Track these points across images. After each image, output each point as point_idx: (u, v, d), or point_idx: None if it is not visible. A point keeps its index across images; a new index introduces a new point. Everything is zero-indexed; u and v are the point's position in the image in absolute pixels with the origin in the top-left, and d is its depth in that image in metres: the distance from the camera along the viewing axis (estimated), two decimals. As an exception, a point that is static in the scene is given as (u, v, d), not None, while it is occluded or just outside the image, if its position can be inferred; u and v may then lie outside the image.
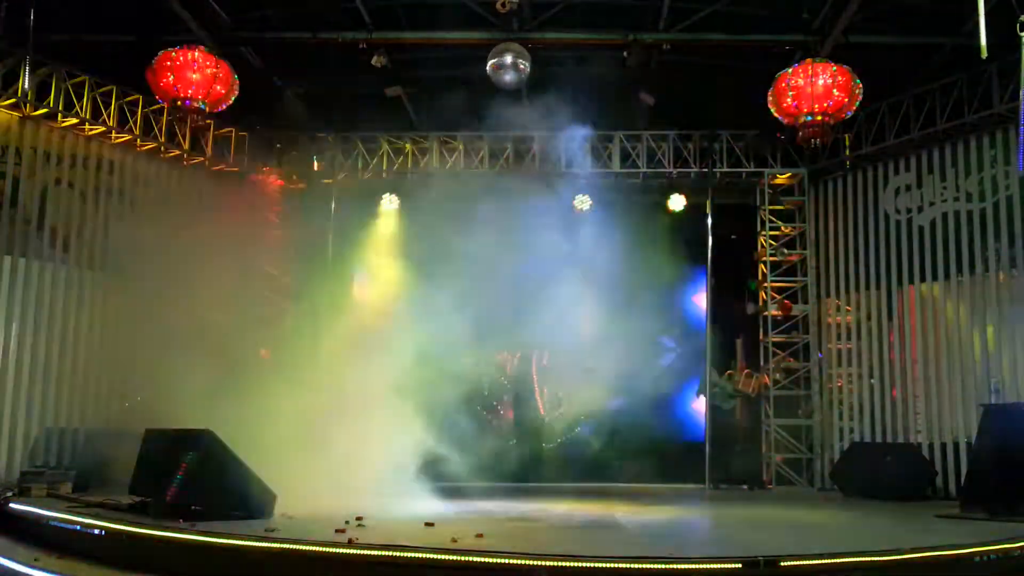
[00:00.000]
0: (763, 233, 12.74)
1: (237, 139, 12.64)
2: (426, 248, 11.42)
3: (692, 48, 10.72)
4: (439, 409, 10.07)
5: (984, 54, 6.13)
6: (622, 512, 8.54)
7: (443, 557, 4.95)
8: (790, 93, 9.11)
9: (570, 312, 12.39)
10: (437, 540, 5.53)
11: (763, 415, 12.45)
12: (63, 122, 10.62)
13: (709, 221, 12.56)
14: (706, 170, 12.55)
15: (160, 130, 11.55)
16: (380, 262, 12.47)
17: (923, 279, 11.27)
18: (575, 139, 12.42)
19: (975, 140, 10.78)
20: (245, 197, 12.31)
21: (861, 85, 9.10)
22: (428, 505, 8.32)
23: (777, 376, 12.39)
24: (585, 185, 12.49)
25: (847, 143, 12.07)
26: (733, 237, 12.91)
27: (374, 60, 10.41)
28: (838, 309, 12.40)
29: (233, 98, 9.76)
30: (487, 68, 9.83)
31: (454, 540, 5.52)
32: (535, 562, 4.78)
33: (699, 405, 12.42)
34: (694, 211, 12.69)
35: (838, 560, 5.03)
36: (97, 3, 9.88)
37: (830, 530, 7.21)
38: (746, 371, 12.65)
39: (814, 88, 8.98)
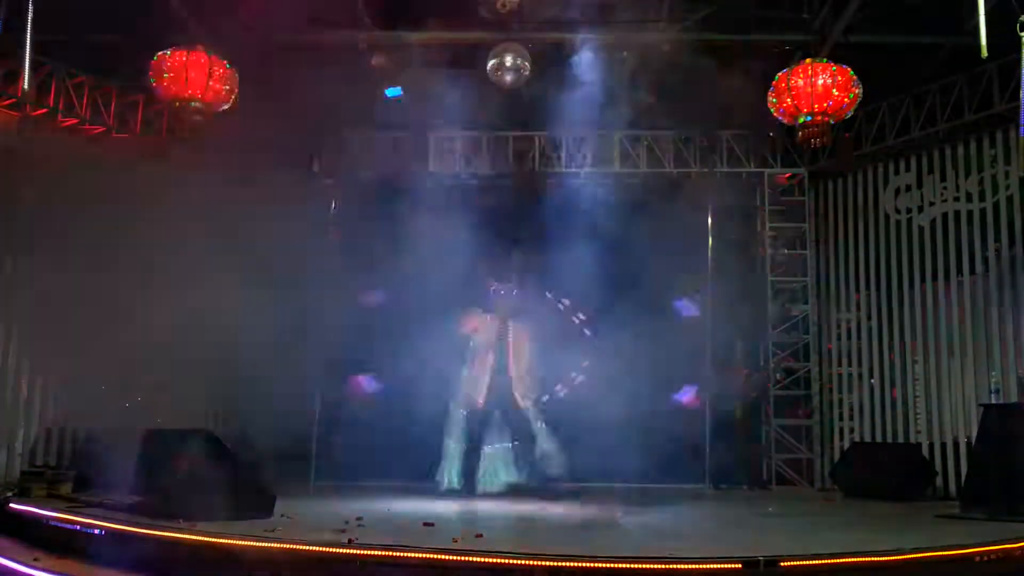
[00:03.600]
0: (763, 233, 12.73)
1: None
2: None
3: (692, 48, 10.71)
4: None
5: (984, 54, 6.12)
6: (622, 512, 8.54)
7: (443, 557, 4.95)
8: (790, 93, 9.10)
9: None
10: (437, 540, 5.53)
11: (763, 415, 12.45)
12: (63, 122, 10.61)
13: (709, 221, 12.55)
14: (706, 170, 12.54)
15: (160, 130, 11.53)
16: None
17: (923, 279, 11.26)
18: (574, 139, 12.41)
19: (975, 140, 10.77)
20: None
21: (861, 85, 9.09)
22: (425, 505, 8.32)
23: (777, 376, 12.39)
24: (584, 185, 12.47)
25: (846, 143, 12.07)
26: (733, 237, 12.90)
27: (374, 60, 10.41)
28: (838, 309, 12.39)
29: (233, 98, 9.74)
30: (487, 69, 9.82)
31: (455, 540, 5.52)
32: (535, 562, 4.79)
33: (699, 405, 12.40)
34: (694, 211, 12.69)
35: (838, 560, 5.03)
36: (97, 3, 9.86)
37: (830, 530, 7.20)
38: (746, 371, 12.64)
39: (814, 88, 8.96)
